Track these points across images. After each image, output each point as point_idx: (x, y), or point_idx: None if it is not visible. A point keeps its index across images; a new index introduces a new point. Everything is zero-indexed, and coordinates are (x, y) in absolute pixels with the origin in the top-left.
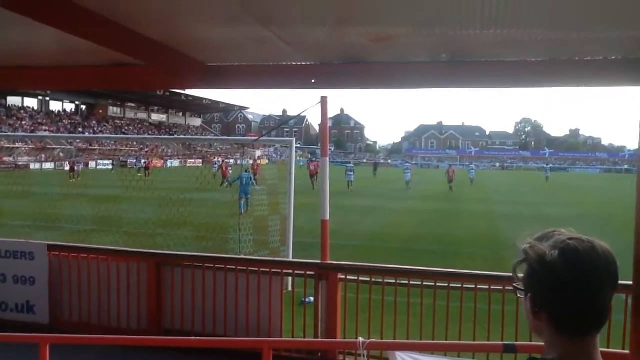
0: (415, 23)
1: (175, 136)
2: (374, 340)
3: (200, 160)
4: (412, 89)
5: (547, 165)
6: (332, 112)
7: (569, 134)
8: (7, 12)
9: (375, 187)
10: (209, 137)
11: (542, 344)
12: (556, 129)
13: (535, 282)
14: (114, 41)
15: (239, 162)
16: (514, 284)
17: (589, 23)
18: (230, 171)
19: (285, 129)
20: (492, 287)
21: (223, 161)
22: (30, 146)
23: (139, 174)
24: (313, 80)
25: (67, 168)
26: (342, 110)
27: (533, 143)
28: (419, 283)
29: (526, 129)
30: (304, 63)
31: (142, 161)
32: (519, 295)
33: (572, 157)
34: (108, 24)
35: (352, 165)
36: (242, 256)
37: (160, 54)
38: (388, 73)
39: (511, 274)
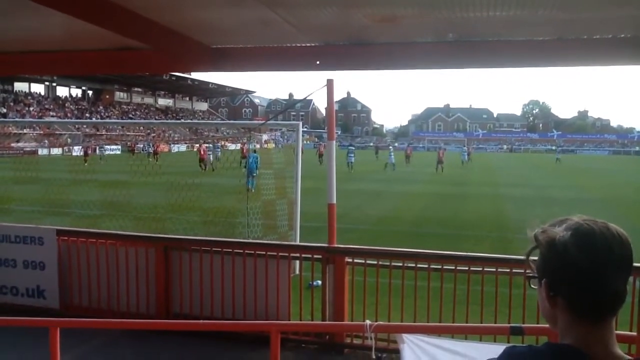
0: (422, 3)
1: (182, 121)
2: (381, 322)
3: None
4: (418, 70)
5: (557, 147)
6: (338, 96)
7: (577, 116)
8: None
9: (373, 169)
10: (215, 121)
11: (548, 325)
12: (564, 110)
13: (548, 267)
14: (119, 25)
15: (246, 145)
16: (527, 273)
17: (597, 1)
18: (210, 155)
19: (292, 113)
20: (499, 270)
21: (200, 144)
22: (38, 132)
23: (149, 159)
24: (318, 62)
25: (81, 153)
26: (348, 93)
27: (541, 125)
28: (426, 266)
29: (534, 111)
30: (308, 44)
31: (150, 146)
32: (532, 285)
33: (580, 138)
34: (113, 8)
35: (353, 148)
36: (250, 240)
37: (165, 37)
38: (393, 54)
39: (518, 257)
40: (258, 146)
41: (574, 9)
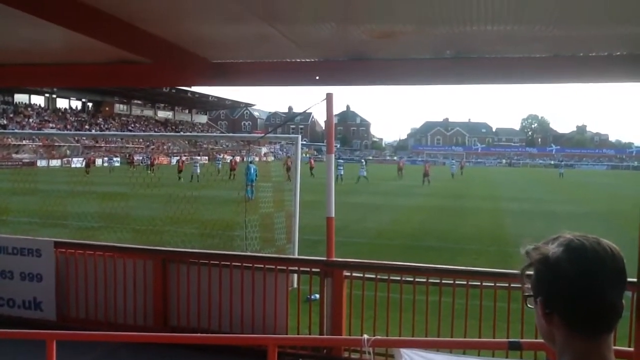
0: (420, 20)
1: (182, 133)
2: (379, 337)
3: (207, 157)
4: (416, 86)
5: (559, 162)
6: (337, 109)
7: (575, 131)
8: (14, 11)
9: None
10: (214, 134)
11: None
12: (563, 125)
13: (542, 284)
14: (119, 39)
15: (244, 158)
16: (524, 293)
17: (593, 19)
18: (197, 168)
19: (291, 126)
20: (498, 285)
21: (180, 157)
22: (37, 143)
23: (148, 171)
24: (317, 77)
25: (80, 165)
26: (347, 107)
27: (540, 139)
28: (424, 280)
29: (533, 125)
30: (308, 60)
31: (147, 158)
32: (529, 305)
33: (579, 153)
34: (113, 22)
35: (342, 161)
36: (248, 253)
37: (165, 51)
38: (392, 69)
39: (517, 272)
40: (257, 159)
41: (570, 26)
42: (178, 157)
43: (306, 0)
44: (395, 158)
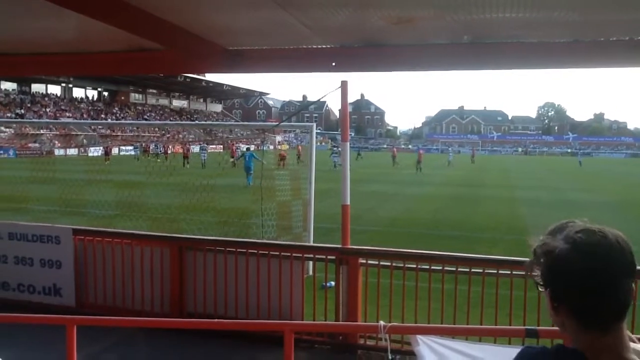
0: (438, 5)
1: (197, 122)
2: (395, 323)
3: (222, 146)
4: (433, 72)
5: (577, 150)
6: (352, 98)
7: (593, 118)
8: (45, 3)
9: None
10: (229, 122)
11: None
12: (580, 113)
13: (549, 278)
14: (134, 25)
15: (260, 147)
16: (536, 281)
17: (613, 3)
18: (204, 155)
19: (305, 114)
20: (515, 273)
21: (185, 145)
22: (54, 132)
23: (158, 160)
24: (333, 64)
25: (97, 153)
26: (362, 95)
27: (556, 127)
28: (440, 268)
29: (549, 113)
30: (324, 46)
31: (159, 147)
32: (539, 289)
33: (596, 141)
34: (129, 8)
35: (337, 149)
36: (264, 240)
37: (181, 38)
38: (409, 55)
39: (527, 264)
40: (272, 147)
41: (590, 11)
42: (195, 146)
43: None
44: (409, 147)
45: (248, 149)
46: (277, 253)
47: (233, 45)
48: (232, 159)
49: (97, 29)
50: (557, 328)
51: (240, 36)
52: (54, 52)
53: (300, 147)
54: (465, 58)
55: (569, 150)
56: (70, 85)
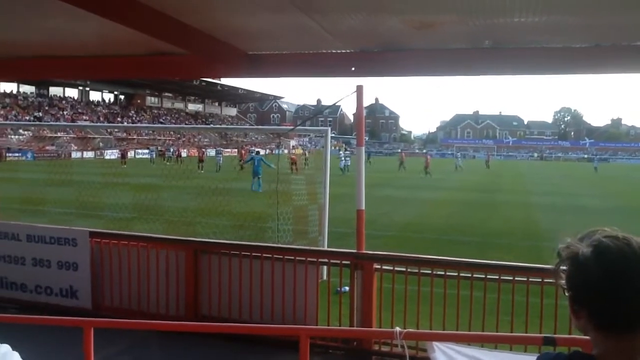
0: (461, 10)
1: (212, 125)
2: (410, 330)
3: (236, 150)
4: (452, 77)
5: (593, 155)
6: (366, 102)
7: (610, 124)
8: (53, 2)
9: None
10: (244, 126)
11: (582, 337)
12: (597, 118)
13: (571, 282)
14: (156, 29)
15: (274, 151)
16: (561, 285)
17: (636, 7)
18: (220, 158)
19: (320, 118)
20: (531, 280)
21: (200, 148)
22: (71, 135)
23: (167, 163)
24: (353, 68)
25: (113, 156)
26: (376, 99)
27: (572, 133)
28: (456, 274)
29: (565, 119)
30: (343, 51)
31: (172, 150)
32: (566, 294)
33: (613, 147)
34: (150, 12)
35: (348, 153)
36: (278, 244)
37: (202, 42)
38: (429, 60)
39: (550, 267)
40: (286, 151)
41: (611, 15)
42: (211, 149)
43: None
44: (424, 151)
45: (257, 152)
46: (292, 257)
47: (253, 49)
48: (240, 162)
49: (118, 32)
50: (575, 336)
51: (260, 40)
52: (76, 55)
53: (307, 152)
54: (486, 63)
55: (586, 156)
56: (87, 89)
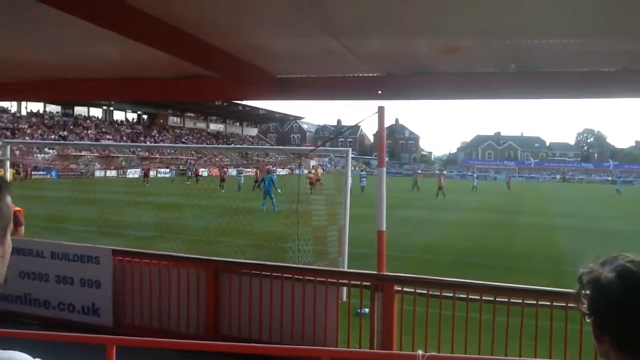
0: (486, 34)
1: (233, 145)
2: (433, 353)
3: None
4: (479, 100)
5: (617, 178)
6: (387, 122)
7: (634, 145)
8: (100, 31)
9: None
10: (265, 146)
11: None
12: (621, 140)
13: (594, 306)
14: (186, 52)
15: (294, 171)
16: (581, 308)
17: None
18: (241, 178)
19: (340, 139)
20: (555, 304)
21: (221, 168)
22: (95, 154)
23: (188, 182)
24: (379, 92)
25: (136, 175)
26: (396, 120)
27: (596, 155)
28: (478, 297)
29: (588, 140)
30: (370, 74)
31: (196, 169)
32: (587, 320)
33: (637, 169)
34: (183, 36)
35: (364, 174)
36: (299, 265)
37: (231, 65)
38: (455, 84)
39: (571, 291)
40: (306, 171)
41: (638, 39)
42: (232, 169)
43: (373, 14)
44: (444, 172)
45: (268, 171)
46: (312, 278)
47: (282, 73)
48: (255, 183)
49: (147, 55)
50: None
51: (289, 64)
52: (106, 77)
53: (319, 173)
54: (512, 87)
55: (609, 178)
56: (111, 108)
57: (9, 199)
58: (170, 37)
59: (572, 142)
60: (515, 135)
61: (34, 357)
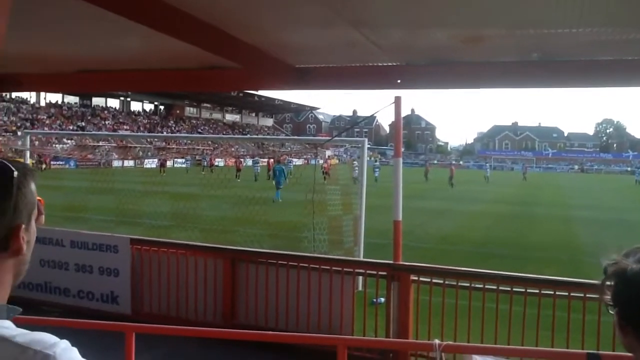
0: (509, 23)
1: (249, 136)
2: (450, 342)
3: (272, 160)
4: (499, 89)
5: (637, 167)
6: (403, 113)
7: None
8: (124, 22)
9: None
10: (281, 137)
11: (627, 354)
12: None
13: (618, 297)
14: (207, 43)
15: (310, 161)
16: (606, 302)
17: None
18: (257, 168)
19: (355, 129)
20: (572, 294)
21: (238, 159)
22: (112, 144)
23: (203, 172)
24: (399, 81)
25: (153, 165)
26: (412, 110)
27: (615, 145)
28: (495, 287)
29: (608, 130)
30: (390, 64)
31: (210, 159)
32: (610, 311)
33: None
34: (204, 27)
35: (378, 164)
36: (315, 254)
37: (251, 56)
38: (476, 73)
39: (593, 281)
40: (321, 161)
41: None
42: (248, 159)
43: (395, 4)
44: (461, 162)
45: (278, 161)
46: (328, 267)
47: (301, 63)
48: (269, 172)
49: (170, 46)
50: (620, 353)
51: (308, 54)
52: (131, 68)
53: (328, 163)
54: (533, 76)
55: (629, 169)
56: (129, 99)
57: (33, 186)
58: (194, 28)
59: (590, 132)
60: (533, 125)
61: (60, 339)
